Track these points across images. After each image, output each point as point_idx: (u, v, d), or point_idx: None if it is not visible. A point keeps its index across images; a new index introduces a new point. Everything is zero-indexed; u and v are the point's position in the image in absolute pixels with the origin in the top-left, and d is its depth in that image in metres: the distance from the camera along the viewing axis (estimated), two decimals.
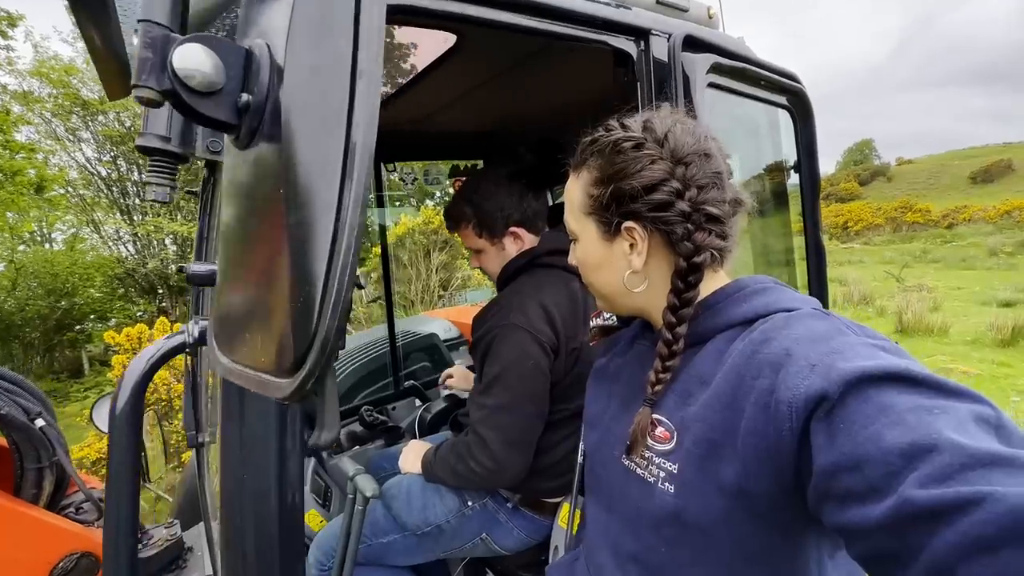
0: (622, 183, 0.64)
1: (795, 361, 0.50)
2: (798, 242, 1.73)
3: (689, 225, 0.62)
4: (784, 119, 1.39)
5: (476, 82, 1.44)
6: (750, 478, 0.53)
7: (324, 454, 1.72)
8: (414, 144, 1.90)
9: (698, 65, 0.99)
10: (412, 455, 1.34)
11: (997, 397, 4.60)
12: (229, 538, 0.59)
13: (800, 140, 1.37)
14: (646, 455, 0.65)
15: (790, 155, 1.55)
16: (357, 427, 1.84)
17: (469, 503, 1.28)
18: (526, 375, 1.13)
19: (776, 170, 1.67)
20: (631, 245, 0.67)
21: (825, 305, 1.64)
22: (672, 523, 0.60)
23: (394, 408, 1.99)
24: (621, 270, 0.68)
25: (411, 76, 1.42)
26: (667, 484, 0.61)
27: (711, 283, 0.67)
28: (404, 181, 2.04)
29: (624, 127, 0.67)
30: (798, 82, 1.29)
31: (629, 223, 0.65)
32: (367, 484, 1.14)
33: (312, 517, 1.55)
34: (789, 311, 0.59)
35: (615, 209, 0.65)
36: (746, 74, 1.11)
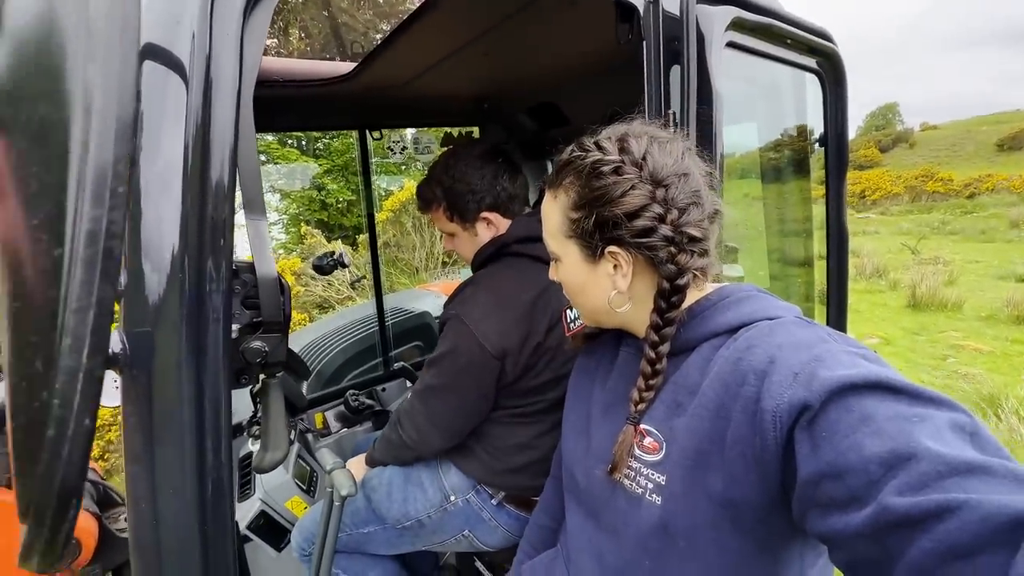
0: (603, 209, 0.63)
1: (778, 369, 0.52)
2: (816, 211, 1.60)
3: (672, 248, 0.62)
4: (812, 83, 1.23)
5: (465, 39, 1.28)
6: (737, 486, 0.54)
7: (310, 438, 1.67)
8: (401, 109, 1.74)
9: (716, 20, 0.84)
10: (356, 464, 1.35)
11: (1009, 376, 4.49)
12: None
13: (829, 109, 1.20)
14: (633, 466, 0.65)
15: (799, 120, 1.39)
16: (344, 409, 1.78)
17: (451, 498, 1.22)
18: (453, 369, 1.12)
19: (797, 141, 1.51)
20: (615, 267, 0.66)
21: (844, 290, 1.53)
22: (658, 534, 0.61)
23: (383, 389, 1.93)
24: (606, 290, 0.67)
25: (390, 32, 1.26)
26: (654, 496, 0.61)
27: (695, 292, 0.67)
28: (392, 150, 1.89)
29: (600, 148, 0.65)
30: (831, 42, 1.12)
31: (613, 248, 0.64)
32: (343, 481, 1.09)
33: (296, 504, 1.52)
34: (772, 319, 0.60)
35: (598, 235, 0.65)
36: (772, 31, 0.95)
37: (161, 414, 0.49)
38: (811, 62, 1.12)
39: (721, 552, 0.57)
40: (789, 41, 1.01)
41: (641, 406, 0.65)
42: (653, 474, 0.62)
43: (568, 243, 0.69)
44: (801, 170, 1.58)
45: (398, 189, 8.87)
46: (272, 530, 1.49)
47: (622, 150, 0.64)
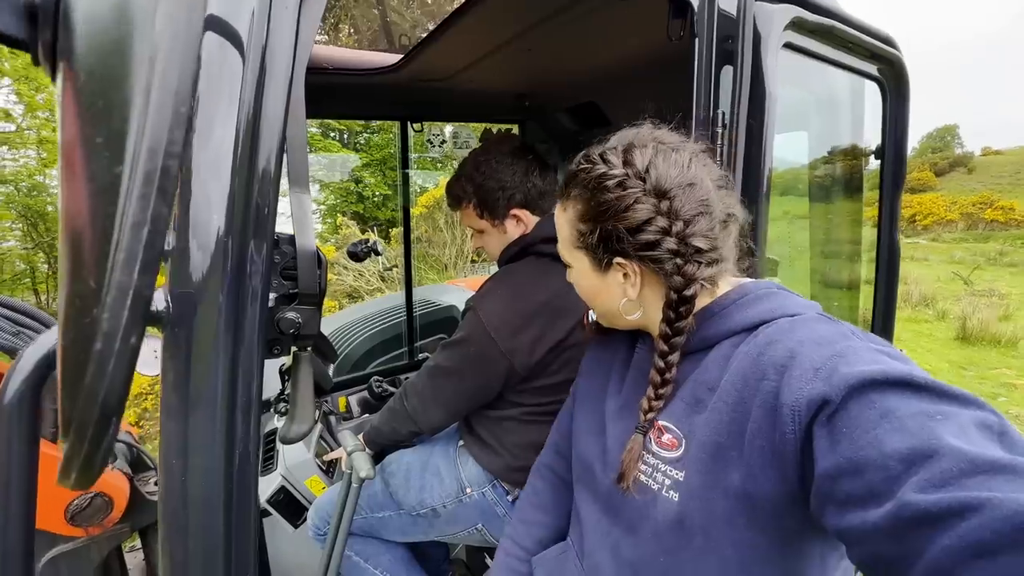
0: (607, 223, 0.64)
1: (799, 364, 0.51)
2: (865, 232, 1.53)
3: (678, 260, 0.61)
4: (871, 91, 1.17)
5: (509, 35, 1.28)
6: (755, 481, 0.53)
7: (333, 420, 1.71)
8: (443, 102, 1.76)
9: (775, 19, 0.81)
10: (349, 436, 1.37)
11: None
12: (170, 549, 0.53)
13: (889, 120, 1.14)
14: (651, 462, 0.64)
15: (855, 130, 1.32)
16: (367, 395, 1.81)
17: (468, 490, 1.22)
18: (463, 356, 1.16)
19: (851, 153, 1.44)
20: (624, 276, 0.67)
21: (892, 314, 1.45)
22: (674, 530, 0.60)
23: (407, 378, 1.95)
24: (617, 297, 0.69)
25: (436, 25, 1.27)
26: (671, 492, 0.61)
27: (706, 298, 0.66)
28: (432, 143, 1.91)
29: (605, 161, 0.66)
30: (895, 48, 1.06)
31: (619, 259, 0.65)
32: (362, 464, 1.10)
33: (314, 483, 1.55)
34: (793, 315, 0.59)
35: (603, 248, 0.66)
36: (833, 34, 0.91)
37: (198, 372, 0.51)
38: (872, 69, 1.07)
39: (737, 548, 0.56)
40: (850, 45, 0.97)
41: (651, 415, 0.65)
42: (671, 470, 0.62)
43: (577, 253, 0.71)
44: (852, 186, 1.51)
45: (433, 186, 8.99)
46: (290, 506, 1.52)
47: (626, 162, 0.64)
